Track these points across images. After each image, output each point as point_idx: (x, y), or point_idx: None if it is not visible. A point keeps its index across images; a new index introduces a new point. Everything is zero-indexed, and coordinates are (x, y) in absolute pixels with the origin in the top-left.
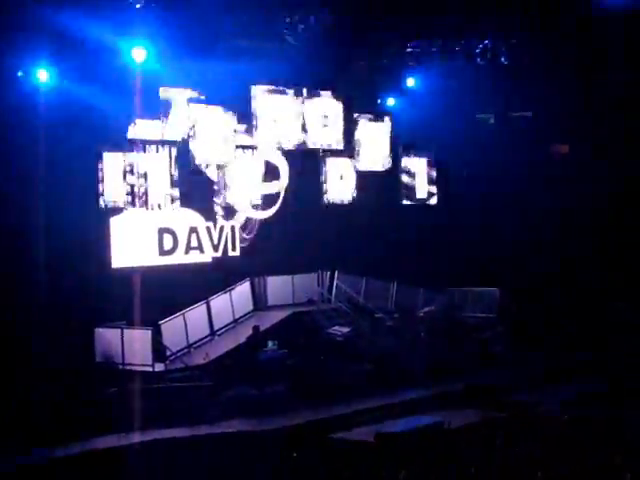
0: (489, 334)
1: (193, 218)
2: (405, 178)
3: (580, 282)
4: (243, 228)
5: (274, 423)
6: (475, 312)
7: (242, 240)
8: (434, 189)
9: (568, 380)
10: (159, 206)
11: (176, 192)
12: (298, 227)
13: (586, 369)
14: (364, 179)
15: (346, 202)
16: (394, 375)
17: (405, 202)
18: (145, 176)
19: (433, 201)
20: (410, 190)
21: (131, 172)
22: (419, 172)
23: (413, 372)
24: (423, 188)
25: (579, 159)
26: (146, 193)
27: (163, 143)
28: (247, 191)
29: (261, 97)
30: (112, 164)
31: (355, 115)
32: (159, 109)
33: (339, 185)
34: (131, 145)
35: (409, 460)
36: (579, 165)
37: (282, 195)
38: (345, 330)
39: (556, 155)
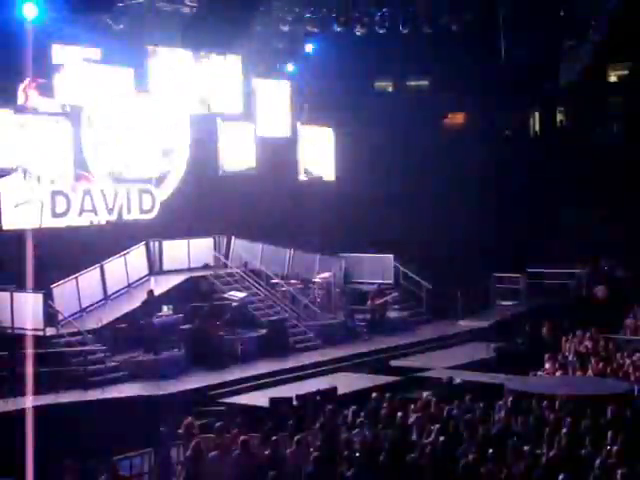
0: (384, 300)
1: (87, 181)
2: (305, 148)
3: (471, 250)
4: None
5: (167, 388)
6: (371, 278)
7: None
8: (332, 160)
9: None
10: (52, 169)
11: (70, 155)
12: (196, 192)
13: (474, 336)
14: (264, 147)
15: (245, 169)
16: (289, 341)
17: (303, 177)
18: (36, 138)
19: (331, 175)
20: (309, 163)
21: (22, 132)
22: (319, 142)
23: (307, 338)
24: (322, 159)
25: (474, 127)
26: (38, 155)
27: (57, 105)
28: (139, 160)
29: (157, 58)
30: (1, 123)
31: (254, 79)
32: (52, 68)
33: (237, 152)
34: (22, 106)
35: (303, 424)
36: (474, 134)
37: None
38: (241, 295)
39: (451, 124)
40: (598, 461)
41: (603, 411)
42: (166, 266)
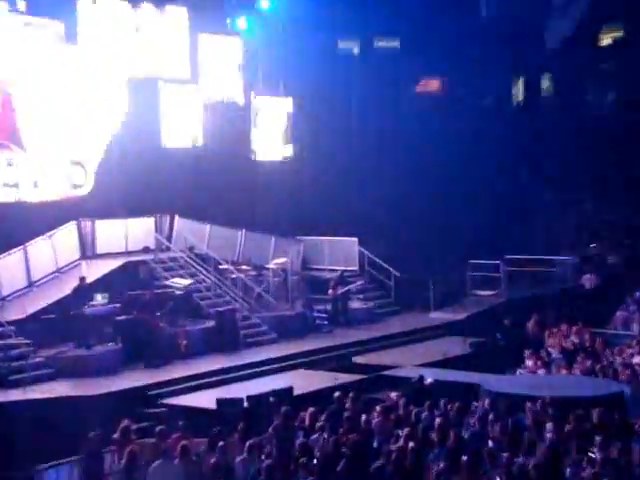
0: (347, 289)
1: (9, 150)
2: (259, 120)
3: (444, 234)
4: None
5: (100, 387)
6: (332, 264)
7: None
8: (290, 133)
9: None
10: None
11: None
12: (136, 166)
13: (448, 330)
14: (213, 116)
15: (190, 146)
16: (239, 334)
17: (259, 159)
18: None
19: (288, 150)
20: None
21: None
22: (276, 113)
23: (261, 331)
24: (278, 133)
25: (450, 95)
26: None
27: None
28: (68, 129)
29: (89, 7)
30: None
31: (200, 35)
32: None
33: (182, 121)
34: None
35: (255, 428)
36: (450, 102)
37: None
38: (186, 283)
39: (425, 91)
40: (584, 471)
41: (589, 415)
42: (100, 249)
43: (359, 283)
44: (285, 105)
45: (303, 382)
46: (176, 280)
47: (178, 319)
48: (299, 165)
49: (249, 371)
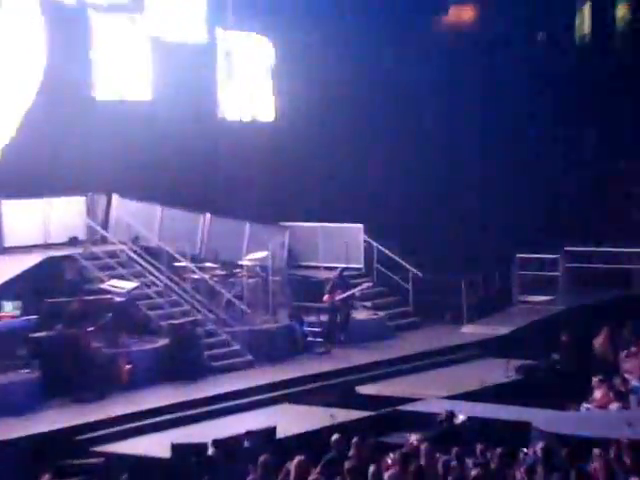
0: (349, 295)
1: None
2: (228, 63)
3: (482, 220)
4: None
5: (10, 430)
6: (329, 261)
7: None
8: (270, 88)
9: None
10: None
11: None
12: (59, 127)
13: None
14: (165, 59)
15: (132, 93)
16: (202, 356)
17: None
18: None
19: (269, 112)
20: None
21: None
22: (252, 58)
23: (231, 352)
24: (255, 86)
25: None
26: None
27: None
28: None
29: None
30: None
31: None
32: None
33: (121, 66)
34: None
35: None
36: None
37: None
38: (129, 286)
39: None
40: None
41: None
42: (8, 241)
43: (366, 286)
44: (265, 46)
45: (289, 421)
46: (115, 283)
47: (118, 336)
48: (285, 129)
49: (216, 406)
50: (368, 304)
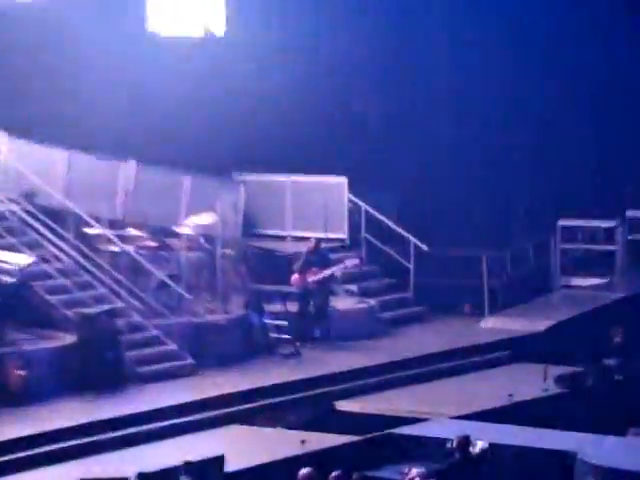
0: (328, 275)
1: None
2: None
3: (510, 177)
4: None
5: None
6: (301, 228)
7: None
8: None
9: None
10: None
11: None
12: None
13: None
14: None
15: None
16: (123, 358)
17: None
18: None
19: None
20: None
21: None
22: None
23: (164, 352)
24: None
25: None
26: None
27: None
28: None
29: None
30: None
31: None
32: None
33: None
34: None
35: None
36: None
37: None
38: (22, 262)
39: None
40: None
41: None
42: None
43: (350, 263)
44: None
45: (242, 448)
46: (2, 256)
47: (6, 331)
48: (239, 48)
49: (142, 428)
50: (353, 288)
